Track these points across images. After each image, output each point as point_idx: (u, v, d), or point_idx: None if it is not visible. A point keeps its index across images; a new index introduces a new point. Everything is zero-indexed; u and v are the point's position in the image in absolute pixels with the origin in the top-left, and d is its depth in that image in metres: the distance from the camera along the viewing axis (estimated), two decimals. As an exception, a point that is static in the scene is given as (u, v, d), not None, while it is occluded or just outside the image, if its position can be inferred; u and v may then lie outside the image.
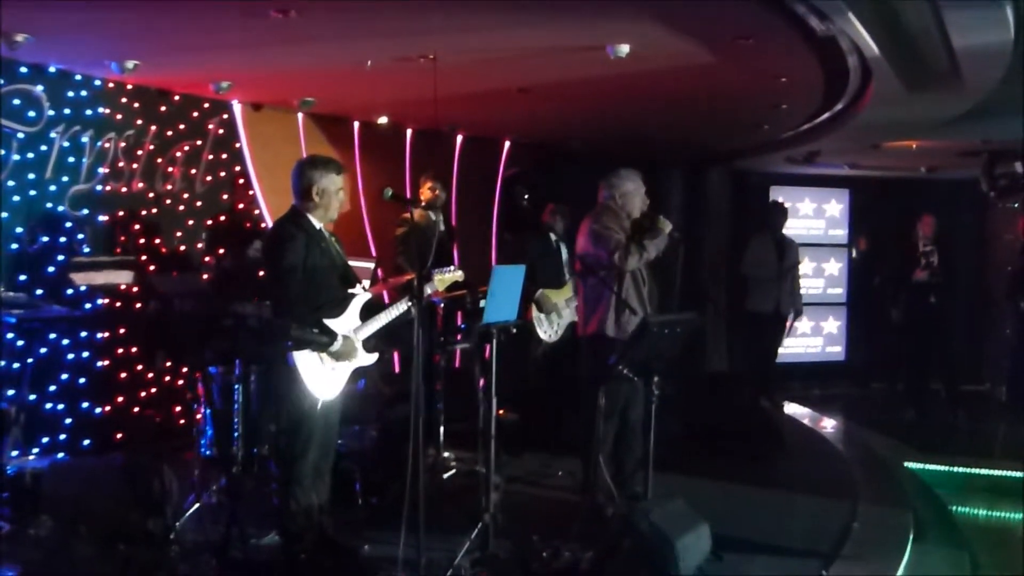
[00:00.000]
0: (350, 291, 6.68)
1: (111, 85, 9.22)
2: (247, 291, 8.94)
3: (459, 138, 13.12)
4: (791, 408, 13.62)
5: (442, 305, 8.89)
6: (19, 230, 8.53)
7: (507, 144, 13.82)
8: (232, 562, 6.34)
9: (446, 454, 8.83)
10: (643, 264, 7.76)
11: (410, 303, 6.55)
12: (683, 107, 10.69)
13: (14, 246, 8.49)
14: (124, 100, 9.38)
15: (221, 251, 9.90)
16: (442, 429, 8.78)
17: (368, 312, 6.71)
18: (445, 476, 8.62)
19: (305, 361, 6.30)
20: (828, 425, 12.89)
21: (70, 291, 8.80)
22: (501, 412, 10.32)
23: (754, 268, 12.96)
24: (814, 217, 16.70)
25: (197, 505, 7.27)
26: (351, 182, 11.48)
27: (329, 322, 6.39)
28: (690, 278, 14.14)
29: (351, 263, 6.89)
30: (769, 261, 12.80)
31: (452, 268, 7.12)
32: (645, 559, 6.01)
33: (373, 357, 6.70)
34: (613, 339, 7.63)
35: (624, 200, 7.90)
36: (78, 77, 8.92)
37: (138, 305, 9.30)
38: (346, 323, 6.54)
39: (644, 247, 7.66)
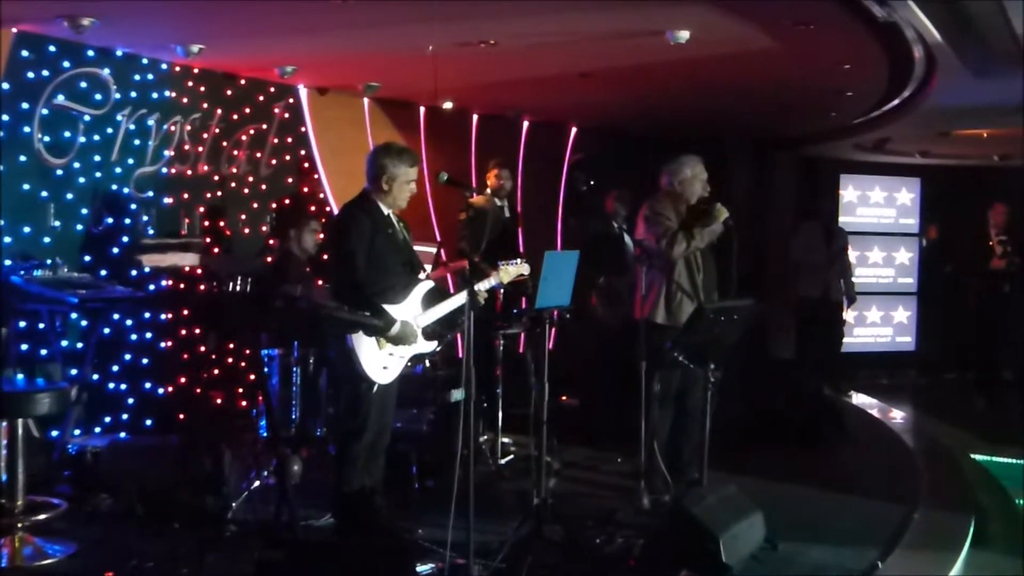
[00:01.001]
0: (414, 277, 6.69)
1: (177, 68, 9.24)
2: (311, 274, 9.01)
3: (525, 124, 13.06)
4: (858, 398, 13.43)
5: (502, 290, 8.85)
6: (85, 211, 8.55)
7: (573, 130, 13.73)
8: (285, 542, 6.35)
9: (505, 439, 8.79)
10: (695, 251, 7.67)
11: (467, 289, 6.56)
12: (746, 92, 10.55)
13: (79, 227, 8.52)
14: (190, 83, 9.40)
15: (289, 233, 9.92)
16: (500, 414, 8.75)
17: (430, 300, 6.70)
18: (503, 461, 8.59)
19: (363, 344, 6.29)
20: (895, 415, 12.69)
21: (134, 272, 8.85)
22: (564, 398, 10.41)
23: (803, 254, 12.95)
24: (884, 206, 16.40)
25: (255, 485, 7.31)
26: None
27: (391, 308, 6.37)
28: (757, 264, 14.14)
29: (415, 248, 6.90)
30: (818, 247, 12.78)
31: (519, 261, 7.07)
32: (695, 546, 5.94)
33: (432, 344, 6.69)
34: (663, 325, 7.57)
35: (683, 187, 7.80)
36: (144, 60, 8.94)
37: (201, 287, 9.37)
38: (408, 310, 6.51)
39: (693, 235, 7.57)
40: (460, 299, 6.63)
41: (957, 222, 15.50)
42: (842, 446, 10.18)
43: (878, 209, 16.37)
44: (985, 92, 9.61)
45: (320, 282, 8.99)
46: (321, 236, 8.95)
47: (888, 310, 16.46)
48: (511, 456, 8.73)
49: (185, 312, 9.24)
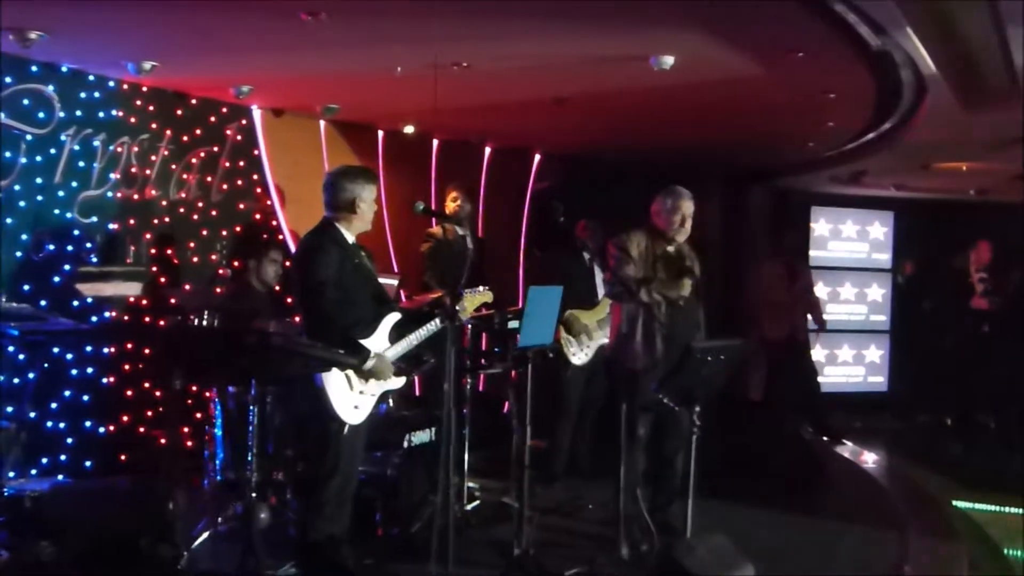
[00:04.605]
0: (382, 308, 6.64)
1: (125, 86, 9.12)
2: (266, 307, 8.89)
3: (487, 150, 13.04)
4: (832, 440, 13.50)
5: (470, 326, 8.80)
6: (25, 237, 8.41)
7: (537, 156, 13.73)
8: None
9: (470, 483, 8.71)
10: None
11: (441, 323, 6.53)
12: (726, 121, 10.60)
13: (19, 254, 8.37)
14: (139, 102, 9.28)
15: (236, 264, 9.81)
16: (466, 456, 8.66)
17: (398, 332, 6.66)
18: (469, 507, 8.51)
19: (333, 382, 6.24)
20: (869, 460, 12.75)
21: (76, 303, 8.71)
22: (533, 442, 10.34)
23: (766, 293, 12.98)
24: (857, 240, 16.56)
25: (205, 535, 7.19)
26: (374, 194, 11.36)
27: (361, 342, 6.34)
28: (728, 301, 14.17)
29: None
30: (781, 286, 12.81)
31: (482, 288, 7.07)
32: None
33: (401, 380, 6.65)
34: (616, 363, 7.62)
35: (655, 219, 7.76)
36: (91, 77, 8.82)
37: (147, 319, 9.24)
38: (377, 342, 6.49)
39: (648, 295, 7.54)
40: (428, 330, 6.65)
41: (930, 258, 15.63)
42: (822, 492, 10.17)
43: (850, 243, 16.52)
44: (971, 125, 9.70)
45: (276, 316, 8.87)
46: (287, 265, 8.86)
47: (860, 349, 16.56)
48: (477, 502, 8.64)
49: (130, 346, 9.12)
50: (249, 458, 7.51)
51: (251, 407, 7.13)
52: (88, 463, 8.79)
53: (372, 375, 6.33)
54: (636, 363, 7.56)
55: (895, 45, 7.29)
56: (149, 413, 9.26)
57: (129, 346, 9.13)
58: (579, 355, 9.56)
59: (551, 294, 6.89)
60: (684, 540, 6.57)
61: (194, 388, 9.17)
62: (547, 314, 6.77)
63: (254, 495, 6.22)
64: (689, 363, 6.65)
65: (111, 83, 9.01)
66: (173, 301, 9.04)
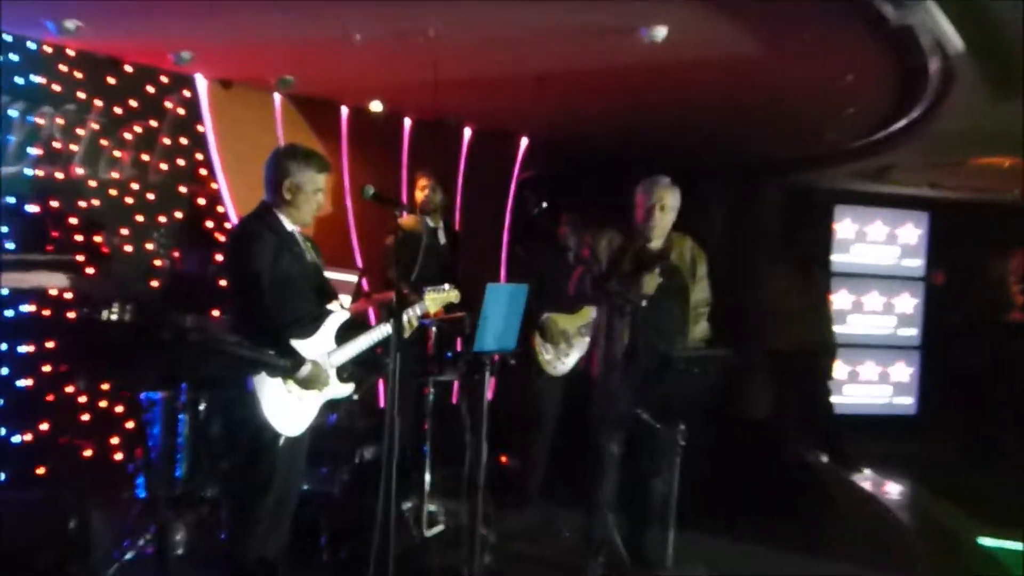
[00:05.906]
0: (326, 307, 6.59)
1: (48, 49, 9.08)
2: (205, 301, 8.87)
3: (467, 132, 12.99)
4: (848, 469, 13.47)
5: (435, 329, 8.76)
6: (-72, 219, 8.42)
7: (524, 142, 13.68)
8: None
9: (432, 506, 8.68)
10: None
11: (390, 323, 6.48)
12: (730, 105, 10.54)
13: (-77, 239, 8.39)
14: (64, 68, 9.24)
15: (176, 254, 9.78)
16: (428, 476, 8.63)
17: (345, 334, 6.60)
18: (430, 532, 8.47)
19: (267, 388, 6.15)
20: (891, 491, 12.73)
21: (-12, 294, 8.71)
22: (504, 459, 10.31)
23: (776, 300, 12.92)
24: (886, 243, 16.46)
25: (128, 555, 7.17)
26: (336, 178, 11.30)
27: (299, 343, 6.24)
28: (735, 310, 14.11)
29: (330, 275, 6.78)
30: (793, 292, 12.77)
31: (447, 287, 7.02)
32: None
33: (349, 388, 6.59)
34: (586, 375, 7.62)
35: (635, 212, 7.67)
36: (7, 38, 8.78)
37: (71, 314, 9.21)
38: (318, 345, 6.40)
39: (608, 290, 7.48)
40: (381, 332, 6.57)
41: (969, 266, 15.55)
42: (826, 524, 10.14)
43: (878, 247, 16.41)
44: (1007, 115, 9.65)
45: (216, 312, 8.85)
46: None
47: (886, 366, 16.51)
48: (440, 526, 8.60)
49: (50, 344, 9.08)
50: (178, 473, 7.57)
51: (180, 415, 7.17)
52: (0, 475, 8.75)
53: (307, 383, 6.26)
54: (604, 373, 7.52)
55: (917, 21, 7.26)
56: (72, 421, 9.21)
57: (49, 344, 9.07)
58: (556, 364, 9.52)
59: (514, 293, 6.83)
60: (660, 573, 6.55)
61: (125, 393, 9.14)
62: (510, 316, 6.70)
63: (169, 513, 6.18)
64: (669, 374, 6.60)
65: (30, 45, 8.98)
66: (70, 294, 9.02)
